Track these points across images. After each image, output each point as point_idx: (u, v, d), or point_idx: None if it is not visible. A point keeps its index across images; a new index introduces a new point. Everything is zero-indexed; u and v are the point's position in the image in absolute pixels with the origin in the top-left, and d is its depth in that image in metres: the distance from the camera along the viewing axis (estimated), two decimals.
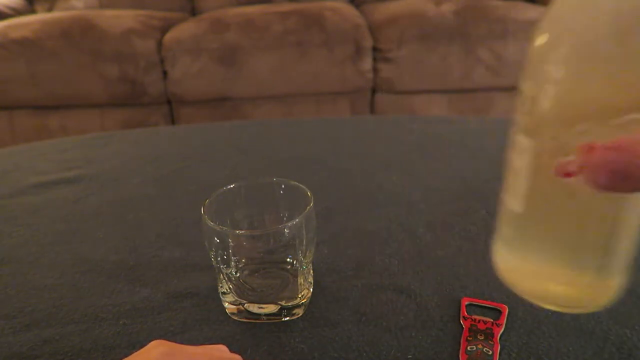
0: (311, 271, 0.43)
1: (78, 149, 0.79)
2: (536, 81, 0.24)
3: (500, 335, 0.38)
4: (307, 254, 0.41)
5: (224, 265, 0.39)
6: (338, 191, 0.62)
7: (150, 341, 0.32)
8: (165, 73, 1.58)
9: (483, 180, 0.63)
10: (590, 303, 0.28)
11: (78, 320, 0.42)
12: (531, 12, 1.52)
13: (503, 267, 0.30)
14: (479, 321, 0.40)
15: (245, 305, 0.41)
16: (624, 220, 0.25)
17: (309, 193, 0.41)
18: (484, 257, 0.48)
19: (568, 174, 0.24)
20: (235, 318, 0.41)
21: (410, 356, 0.37)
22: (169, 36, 1.57)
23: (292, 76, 1.56)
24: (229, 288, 0.41)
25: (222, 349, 0.34)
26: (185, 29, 1.58)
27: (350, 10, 1.67)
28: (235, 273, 0.40)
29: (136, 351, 0.31)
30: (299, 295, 0.41)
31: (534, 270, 0.28)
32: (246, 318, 0.41)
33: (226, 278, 0.40)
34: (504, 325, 0.39)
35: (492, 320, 0.40)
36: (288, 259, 0.41)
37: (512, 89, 1.60)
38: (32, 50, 1.52)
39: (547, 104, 0.24)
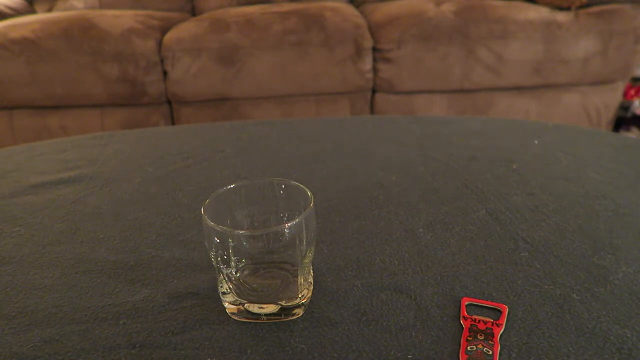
0: (311, 271, 0.43)
1: (78, 149, 0.79)
2: None
3: (500, 335, 0.38)
4: (307, 254, 0.41)
5: (224, 265, 0.39)
6: (338, 191, 0.62)
7: (150, 341, 0.32)
8: (165, 73, 1.58)
9: (483, 180, 0.63)
10: None
11: (78, 320, 0.42)
12: (531, 12, 1.52)
13: None
14: (479, 321, 0.40)
15: (245, 305, 0.41)
16: None
17: (309, 193, 0.41)
18: (484, 257, 0.48)
19: None
20: (235, 318, 0.41)
21: (410, 356, 0.37)
22: (169, 36, 1.58)
23: (292, 76, 1.56)
24: (229, 288, 0.41)
25: None
26: (185, 29, 1.58)
27: (350, 10, 1.67)
28: (235, 273, 0.40)
29: (136, 351, 0.31)
30: (299, 295, 0.41)
31: None
32: (246, 318, 0.41)
33: (226, 278, 0.40)
34: (504, 325, 0.39)
35: (492, 320, 0.40)
36: (288, 259, 0.41)
37: (512, 89, 1.60)
38: (32, 50, 1.52)
39: None
